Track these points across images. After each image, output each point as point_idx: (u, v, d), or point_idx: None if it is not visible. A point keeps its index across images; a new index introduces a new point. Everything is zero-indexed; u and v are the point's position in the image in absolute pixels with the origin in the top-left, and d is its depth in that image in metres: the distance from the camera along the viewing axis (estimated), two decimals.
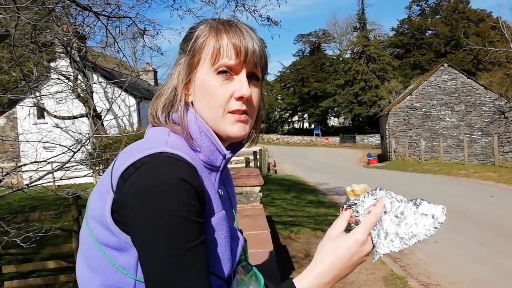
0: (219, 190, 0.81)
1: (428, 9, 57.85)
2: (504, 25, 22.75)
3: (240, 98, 0.79)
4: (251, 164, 16.25)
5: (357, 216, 0.80)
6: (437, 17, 56.07)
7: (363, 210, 0.80)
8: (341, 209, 0.85)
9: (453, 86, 25.29)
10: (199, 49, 0.80)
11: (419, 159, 24.28)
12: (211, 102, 0.79)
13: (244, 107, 0.80)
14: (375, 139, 42.14)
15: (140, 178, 0.66)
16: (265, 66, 0.85)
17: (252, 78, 0.82)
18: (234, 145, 0.88)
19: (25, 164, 3.86)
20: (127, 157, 0.71)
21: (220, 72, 0.78)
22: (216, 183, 0.81)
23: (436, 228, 0.77)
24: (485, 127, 24.68)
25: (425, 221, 0.77)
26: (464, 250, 6.26)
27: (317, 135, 49.81)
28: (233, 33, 0.79)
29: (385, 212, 0.79)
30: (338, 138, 46.13)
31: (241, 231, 1.03)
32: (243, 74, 0.80)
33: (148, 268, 0.66)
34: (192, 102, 0.82)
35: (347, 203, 0.83)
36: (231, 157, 0.84)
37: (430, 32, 55.59)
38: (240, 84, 0.79)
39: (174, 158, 0.69)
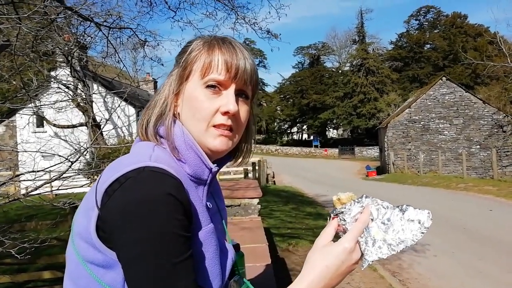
0: (208, 203, 0.81)
1: (427, 23, 58.51)
2: (502, 40, 22.99)
3: (225, 113, 0.79)
4: (250, 175, 16.21)
5: (344, 225, 0.80)
6: (435, 31, 56.67)
7: (350, 218, 0.80)
8: (328, 218, 0.85)
9: (451, 100, 25.43)
10: (191, 62, 0.81)
11: (418, 172, 24.25)
12: (196, 114, 0.80)
13: (229, 122, 0.80)
14: (374, 151, 42.18)
15: (124, 193, 0.66)
16: (256, 85, 0.86)
17: (242, 95, 0.83)
18: (221, 158, 0.88)
19: (23, 174, 3.84)
20: (111, 172, 0.70)
21: (208, 86, 0.79)
22: (204, 196, 0.81)
23: (422, 233, 0.77)
24: (483, 141, 24.74)
25: (411, 226, 0.77)
26: (464, 264, 6.20)
27: (316, 146, 49.82)
28: (226, 49, 0.80)
29: (372, 219, 0.79)
30: (337, 150, 46.15)
31: (238, 245, 1.02)
32: (231, 90, 0.80)
33: (135, 284, 0.65)
34: (179, 113, 0.83)
35: (334, 211, 0.83)
36: (217, 171, 0.84)
37: (428, 46, 56.11)
38: (227, 99, 0.79)
39: (158, 172, 0.68)
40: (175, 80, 0.83)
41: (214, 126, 0.79)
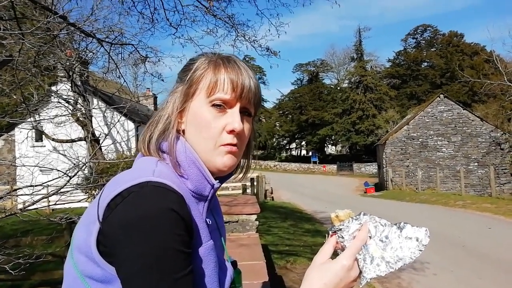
0: (207, 220, 0.81)
1: (424, 42, 59.35)
2: (498, 59, 23.31)
3: (231, 132, 0.80)
4: (248, 190, 16.15)
5: (342, 242, 0.81)
6: (432, 49, 57.43)
7: (348, 236, 0.80)
8: (326, 235, 0.85)
9: (449, 117, 25.58)
10: (196, 80, 0.82)
11: (416, 189, 24.21)
12: (203, 133, 0.80)
13: (235, 141, 0.81)
14: (372, 167, 42.15)
15: (126, 208, 0.66)
16: (258, 103, 0.87)
17: (245, 113, 0.84)
18: (222, 175, 0.89)
19: (20, 188, 3.83)
20: (113, 187, 0.70)
21: (214, 105, 0.80)
22: (204, 212, 0.81)
23: (420, 250, 0.77)
24: (481, 158, 24.78)
25: (409, 244, 0.77)
26: (463, 283, 6.14)
27: (315, 162, 49.76)
28: (231, 68, 0.82)
29: (370, 236, 0.79)
30: (335, 166, 46.10)
31: (235, 262, 1.02)
32: (236, 108, 0.81)
33: None
34: (184, 130, 0.83)
35: (332, 229, 0.83)
36: (219, 187, 0.85)
37: (425, 64, 56.77)
38: (233, 118, 0.80)
39: (161, 187, 0.69)
40: (179, 98, 0.83)
41: (222, 145, 0.80)
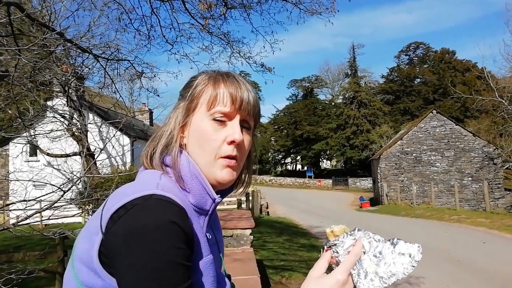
0: (207, 234, 0.82)
1: (416, 58, 60.26)
2: (489, 75, 23.72)
3: (232, 142, 0.82)
4: (243, 205, 16.08)
5: (337, 257, 0.82)
6: (425, 66, 58.27)
7: (343, 251, 0.81)
8: (321, 250, 0.86)
9: (442, 132, 25.83)
10: (197, 95, 0.85)
11: (411, 203, 24.23)
12: (204, 145, 0.82)
13: (235, 152, 0.83)
14: (367, 182, 42.21)
15: (130, 219, 0.67)
16: (258, 116, 0.90)
17: (245, 125, 0.86)
18: (223, 189, 0.90)
19: (13, 203, 3.81)
20: (117, 199, 0.71)
21: (215, 119, 0.83)
22: (204, 226, 0.82)
23: (413, 266, 0.78)
24: (475, 173, 24.93)
25: (402, 260, 0.79)
26: None
27: (310, 177, 49.77)
28: (230, 83, 0.85)
29: (364, 252, 0.81)
30: (330, 181, 46.11)
31: (229, 276, 1.02)
32: (236, 120, 0.84)
33: None
34: (186, 144, 0.85)
35: (327, 244, 0.84)
36: (220, 201, 0.86)
37: (418, 80, 57.53)
38: (233, 129, 0.82)
39: (164, 200, 0.70)
40: (181, 113, 0.86)
41: (222, 157, 0.82)
